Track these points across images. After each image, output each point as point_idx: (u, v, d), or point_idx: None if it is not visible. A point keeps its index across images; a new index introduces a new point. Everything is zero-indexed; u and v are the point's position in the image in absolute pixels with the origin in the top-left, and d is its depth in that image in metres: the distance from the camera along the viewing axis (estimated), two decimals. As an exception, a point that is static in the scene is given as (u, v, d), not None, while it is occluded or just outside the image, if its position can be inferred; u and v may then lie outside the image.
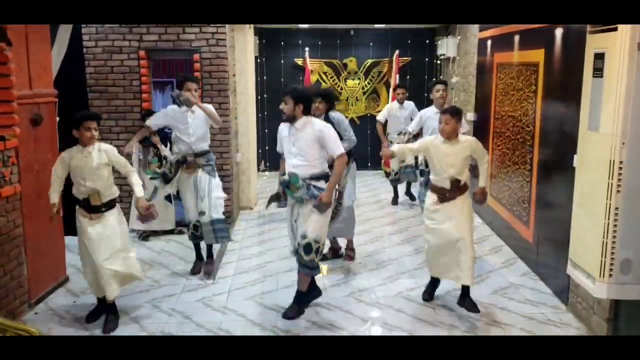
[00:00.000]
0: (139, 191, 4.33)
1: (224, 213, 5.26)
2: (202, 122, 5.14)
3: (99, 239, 4.14)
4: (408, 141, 5.76)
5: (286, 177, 4.27)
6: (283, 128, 4.36)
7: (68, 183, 4.27)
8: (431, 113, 6.15)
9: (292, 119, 4.23)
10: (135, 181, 4.33)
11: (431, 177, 4.48)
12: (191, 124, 5.09)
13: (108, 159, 4.21)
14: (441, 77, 10.06)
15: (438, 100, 6.22)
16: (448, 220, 4.32)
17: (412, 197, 8.20)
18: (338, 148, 4.19)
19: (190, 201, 5.21)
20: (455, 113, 4.31)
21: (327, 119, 5.01)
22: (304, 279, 4.43)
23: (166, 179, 5.17)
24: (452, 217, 4.31)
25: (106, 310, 4.32)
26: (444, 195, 4.34)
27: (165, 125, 5.35)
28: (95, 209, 4.19)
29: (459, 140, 4.34)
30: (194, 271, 5.36)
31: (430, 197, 4.45)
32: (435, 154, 4.37)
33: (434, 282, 4.75)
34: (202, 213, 5.11)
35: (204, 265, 5.37)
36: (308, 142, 4.19)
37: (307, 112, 4.24)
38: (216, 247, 5.70)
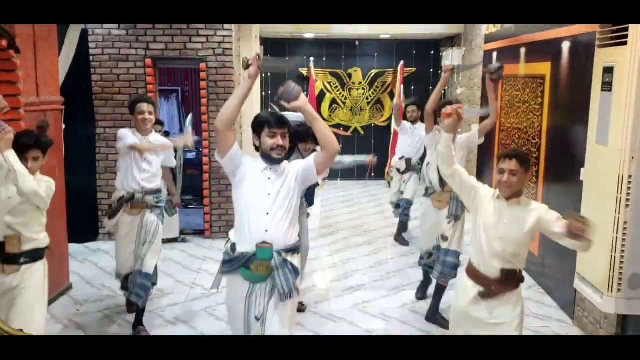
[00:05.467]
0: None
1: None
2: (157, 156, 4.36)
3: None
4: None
5: (244, 249, 2.84)
6: (251, 162, 2.99)
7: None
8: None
9: (279, 160, 2.97)
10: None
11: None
12: (146, 157, 4.27)
13: None
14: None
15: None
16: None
17: (403, 242, 6.63)
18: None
19: (129, 247, 4.25)
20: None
21: None
22: None
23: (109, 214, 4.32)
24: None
25: None
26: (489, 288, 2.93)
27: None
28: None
29: (520, 201, 2.91)
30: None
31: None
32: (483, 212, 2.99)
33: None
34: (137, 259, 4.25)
35: (138, 329, 4.28)
36: (290, 188, 2.94)
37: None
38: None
